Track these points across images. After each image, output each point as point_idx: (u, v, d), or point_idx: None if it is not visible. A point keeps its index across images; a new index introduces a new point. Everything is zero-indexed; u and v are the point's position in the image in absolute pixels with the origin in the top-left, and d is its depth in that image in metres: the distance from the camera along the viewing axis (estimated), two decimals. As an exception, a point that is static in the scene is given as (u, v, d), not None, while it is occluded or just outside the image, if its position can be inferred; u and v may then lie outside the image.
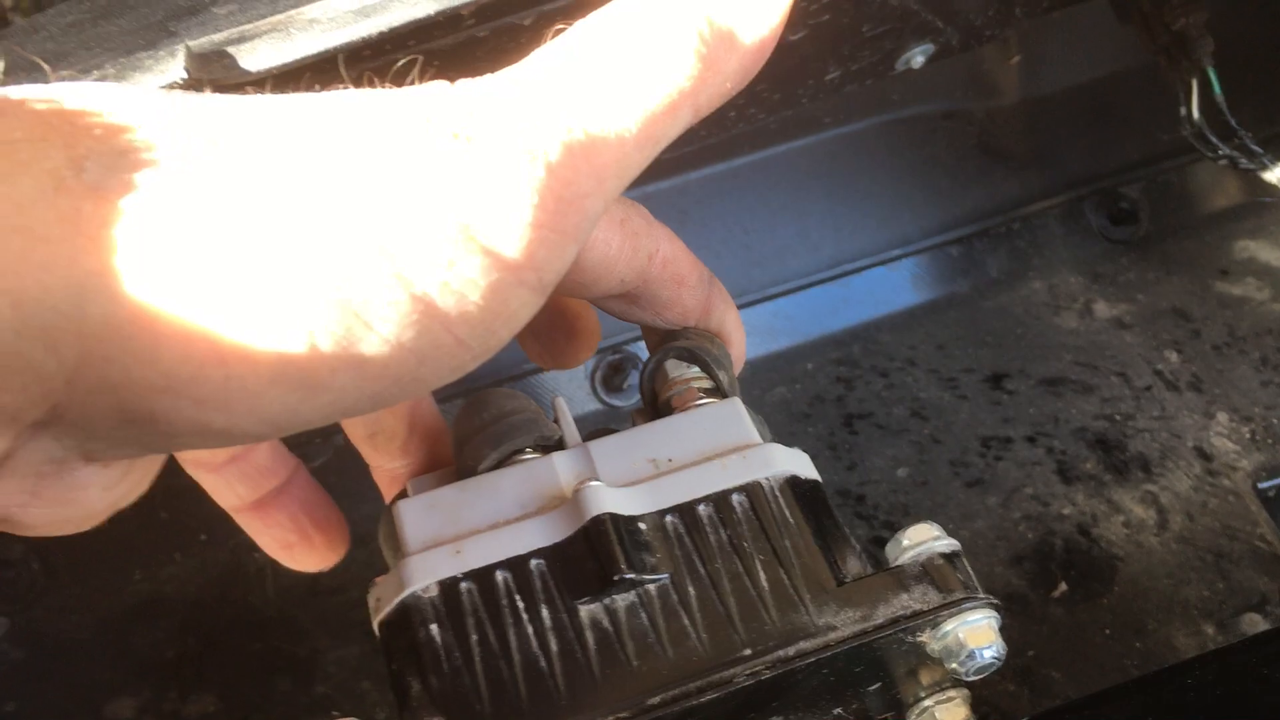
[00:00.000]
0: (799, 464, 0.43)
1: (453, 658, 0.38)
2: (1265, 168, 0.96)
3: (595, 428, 0.46)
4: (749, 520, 0.41)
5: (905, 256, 1.13)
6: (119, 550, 0.96)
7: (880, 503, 0.97)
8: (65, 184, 0.27)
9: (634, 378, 1.06)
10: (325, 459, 0.93)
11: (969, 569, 0.41)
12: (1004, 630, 0.40)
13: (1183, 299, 1.11)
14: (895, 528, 0.47)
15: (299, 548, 0.48)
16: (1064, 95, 1.13)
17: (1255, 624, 0.86)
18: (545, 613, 0.39)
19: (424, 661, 0.38)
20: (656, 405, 0.47)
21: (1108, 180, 1.16)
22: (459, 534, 0.41)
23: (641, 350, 1.05)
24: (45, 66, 0.37)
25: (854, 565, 0.41)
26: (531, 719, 0.36)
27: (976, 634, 0.39)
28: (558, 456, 0.43)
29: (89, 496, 0.33)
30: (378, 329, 0.29)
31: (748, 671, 0.37)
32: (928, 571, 0.40)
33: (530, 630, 0.38)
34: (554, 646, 0.38)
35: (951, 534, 0.42)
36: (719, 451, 0.43)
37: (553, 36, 0.33)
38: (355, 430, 0.47)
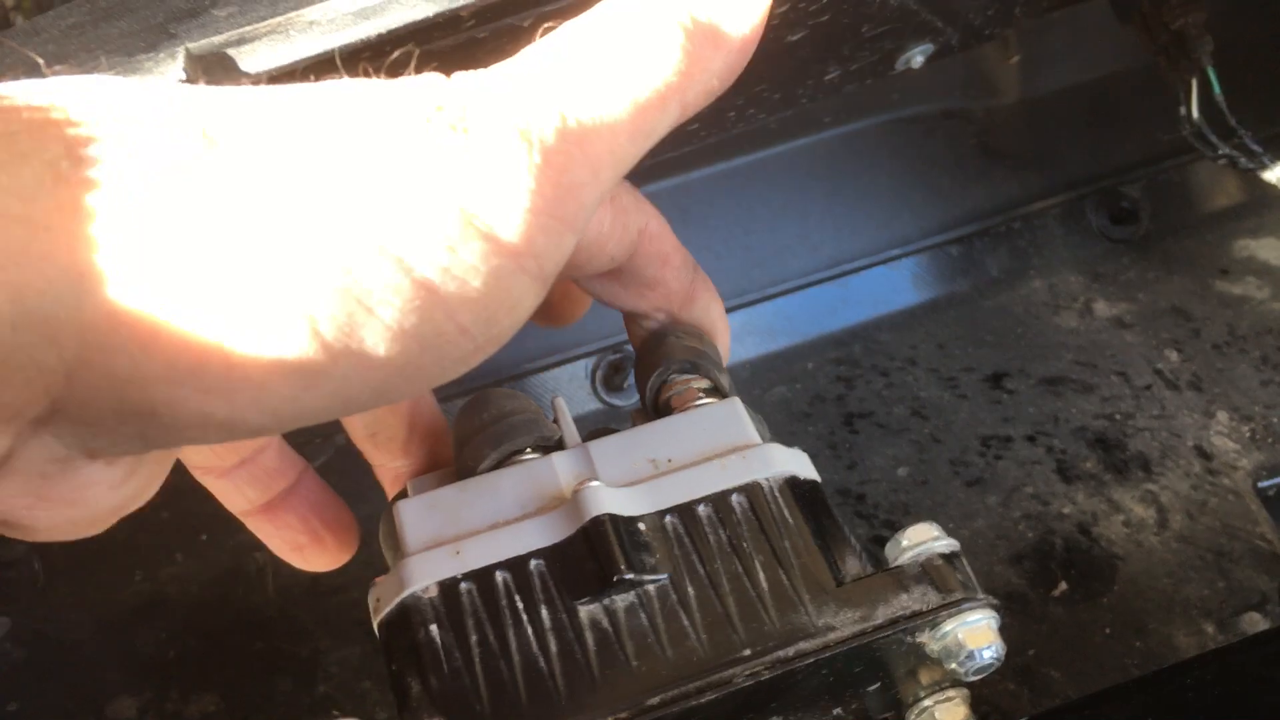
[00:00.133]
0: (798, 464, 0.43)
1: (452, 658, 0.38)
2: (1265, 167, 0.95)
3: (595, 428, 0.46)
4: (748, 520, 0.41)
5: (905, 256, 1.13)
6: (120, 550, 0.96)
7: (880, 502, 0.97)
8: (65, 175, 0.27)
9: (634, 377, 1.06)
10: (326, 458, 0.93)
11: (968, 569, 0.41)
12: (1004, 629, 0.40)
13: (1183, 298, 1.11)
14: (895, 527, 0.47)
15: (310, 549, 0.48)
16: (1064, 95, 1.13)
17: (1255, 623, 0.86)
18: (545, 613, 0.39)
19: (424, 662, 0.38)
20: (656, 405, 0.47)
21: (1108, 180, 1.16)
22: (459, 534, 0.41)
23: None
24: (41, 63, 0.37)
25: (853, 565, 0.41)
26: (531, 719, 0.36)
27: (976, 634, 0.39)
28: (557, 457, 0.43)
29: (95, 496, 0.32)
30: (379, 314, 0.29)
31: (747, 672, 0.37)
32: (927, 572, 0.40)
33: (530, 631, 0.38)
34: (553, 647, 0.38)
35: (951, 533, 0.42)
36: (718, 452, 0.43)
37: (542, 35, 0.34)
38: (356, 430, 0.47)
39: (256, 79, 0.41)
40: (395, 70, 0.33)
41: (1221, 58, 0.91)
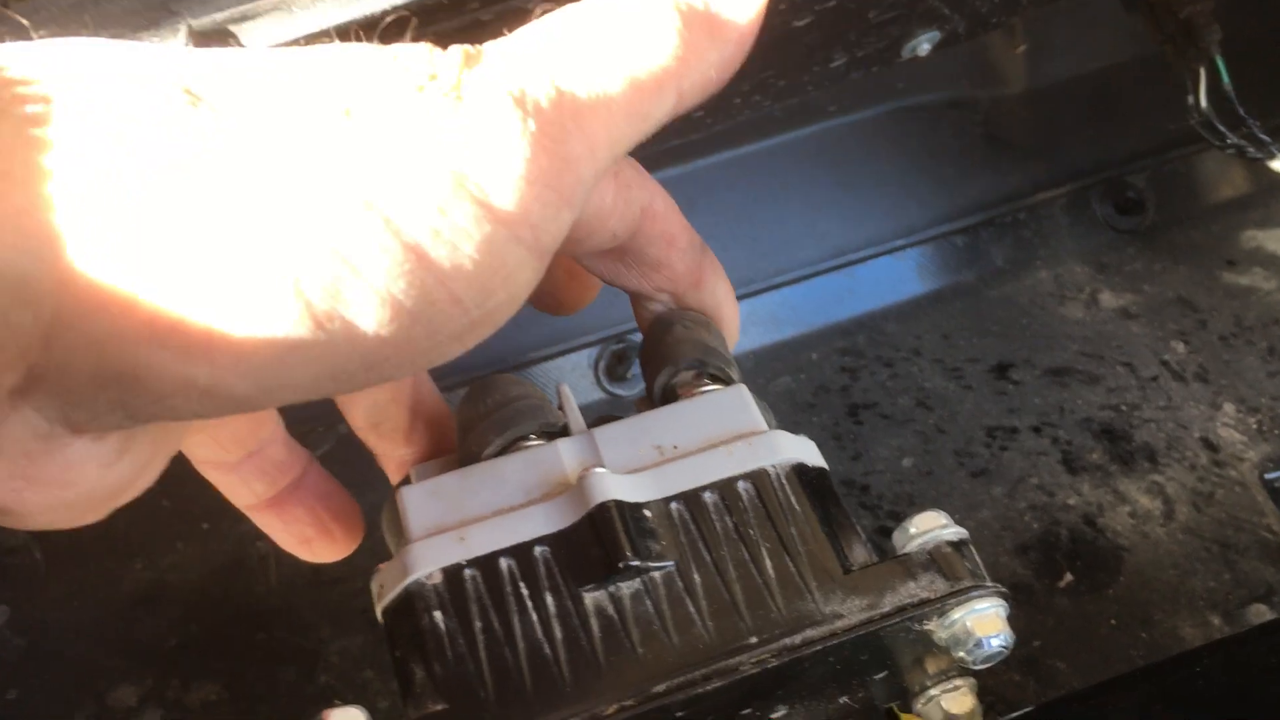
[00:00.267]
0: (805, 451, 0.43)
1: (456, 645, 0.38)
2: (1273, 157, 0.95)
3: (599, 416, 0.46)
4: (755, 507, 0.40)
5: (910, 246, 1.13)
6: (121, 538, 0.96)
7: (885, 493, 0.97)
8: (38, 133, 0.26)
9: (638, 366, 1.06)
10: (329, 447, 0.93)
11: (976, 557, 0.40)
12: (1010, 620, 0.40)
13: (1189, 289, 1.10)
14: (900, 518, 0.47)
15: (317, 541, 0.48)
16: (1070, 84, 1.13)
17: (1261, 615, 0.86)
18: (550, 600, 0.38)
19: (428, 648, 0.38)
20: (662, 400, 0.47)
21: (1114, 170, 1.16)
22: (463, 520, 0.41)
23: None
24: (25, 22, 0.37)
25: (860, 553, 0.40)
26: (536, 706, 0.36)
27: (984, 622, 0.39)
28: (562, 443, 0.43)
29: (86, 476, 0.32)
30: (367, 277, 0.28)
31: (753, 659, 0.37)
32: (935, 560, 0.40)
33: (535, 617, 0.38)
34: (558, 634, 0.38)
35: (957, 524, 0.41)
36: (725, 438, 0.43)
37: (540, 15, 0.34)
38: (358, 420, 0.47)
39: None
40: (390, 41, 0.33)
41: (1229, 47, 0.91)
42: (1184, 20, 0.90)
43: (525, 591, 0.39)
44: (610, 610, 0.38)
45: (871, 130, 1.11)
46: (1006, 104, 1.13)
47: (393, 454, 0.47)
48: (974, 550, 0.41)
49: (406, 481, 0.45)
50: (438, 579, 0.39)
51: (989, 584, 0.39)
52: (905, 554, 0.40)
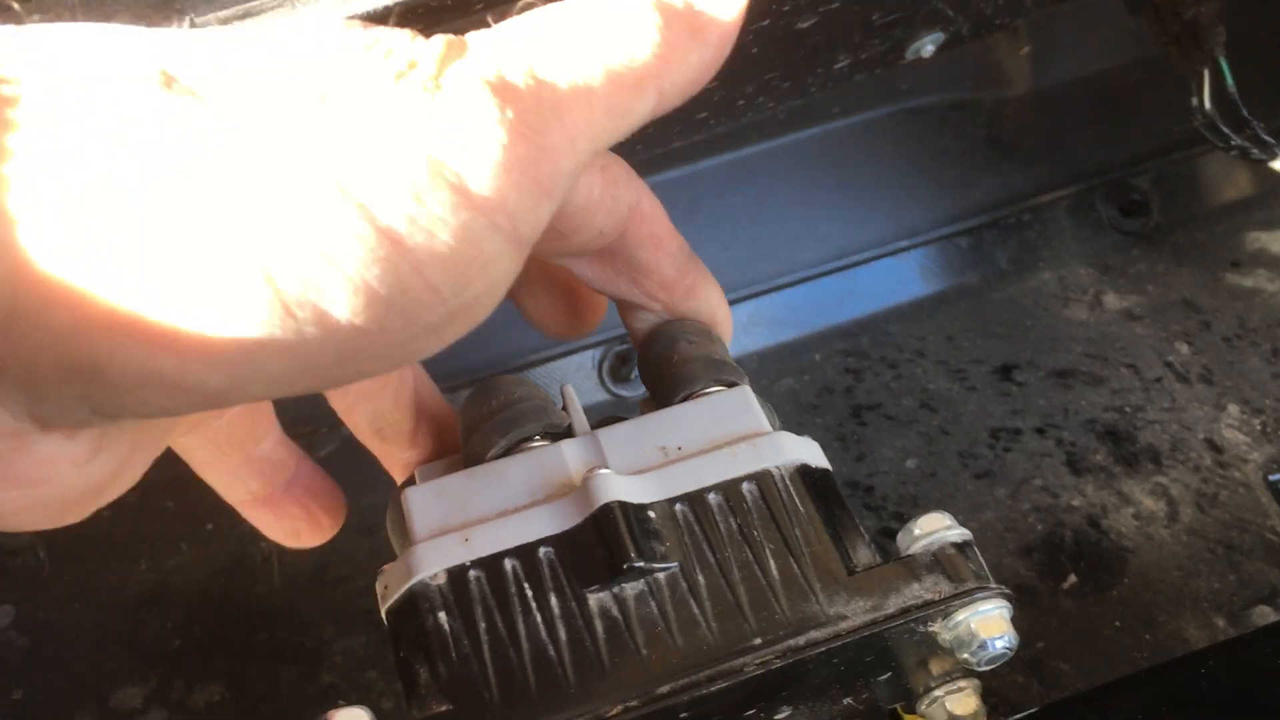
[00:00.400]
0: (809, 452, 0.43)
1: (461, 645, 0.38)
2: (1277, 158, 0.95)
3: (603, 417, 0.46)
4: (759, 509, 0.40)
5: (914, 247, 1.13)
6: (125, 539, 0.96)
7: (889, 494, 0.97)
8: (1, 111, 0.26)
9: (639, 374, 1.05)
10: (332, 448, 0.93)
11: (980, 559, 0.40)
12: (1014, 621, 0.40)
13: (1193, 291, 1.10)
14: (904, 519, 0.47)
15: (307, 532, 0.48)
16: (1074, 86, 1.13)
17: (1266, 616, 0.86)
18: (554, 601, 0.38)
19: (432, 649, 0.38)
20: (661, 386, 0.47)
21: (1118, 171, 1.15)
22: (467, 521, 0.41)
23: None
24: (16, 6, 0.37)
25: (864, 555, 0.40)
26: (540, 707, 0.36)
27: (988, 624, 0.39)
28: (566, 444, 0.43)
29: (58, 476, 0.31)
30: (341, 264, 0.28)
31: (758, 661, 0.37)
32: (939, 561, 0.40)
33: (539, 618, 0.38)
34: (563, 635, 0.38)
35: (961, 525, 0.41)
36: (729, 440, 0.43)
37: (520, 11, 0.33)
38: (360, 425, 0.47)
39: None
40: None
41: (1233, 48, 0.91)
42: (1188, 22, 0.90)
43: (529, 592, 0.39)
44: (614, 611, 0.38)
45: (875, 132, 1.11)
46: (1010, 106, 1.13)
47: (397, 457, 0.47)
48: (978, 552, 0.41)
49: (411, 482, 0.45)
50: (442, 580, 0.39)
51: (993, 585, 0.39)
52: (910, 555, 0.40)
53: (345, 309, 0.28)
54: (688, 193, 1.08)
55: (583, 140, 0.32)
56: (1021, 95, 1.13)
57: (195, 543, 0.96)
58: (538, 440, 0.44)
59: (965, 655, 0.39)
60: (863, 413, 1.03)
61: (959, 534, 0.41)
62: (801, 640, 0.37)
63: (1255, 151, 0.95)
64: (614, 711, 0.36)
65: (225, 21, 0.38)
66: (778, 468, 0.42)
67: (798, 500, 0.41)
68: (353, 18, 0.37)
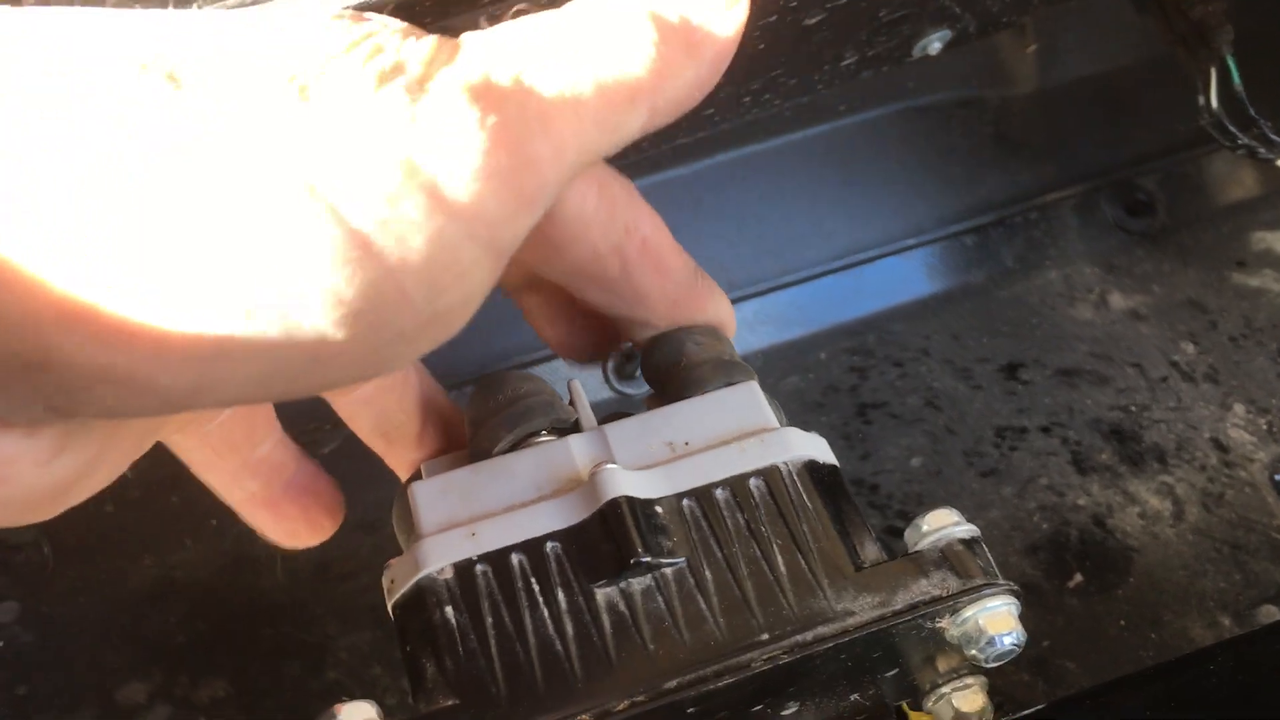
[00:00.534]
0: (817, 448, 0.43)
1: (468, 640, 0.38)
2: (1285, 157, 0.95)
3: (609, 413, 0.46)
4: (766, 504, 0.40)
5: (920, 246, 1.12)
6: (129, 535, 0.96)
7: (894, 492, 0.97)
8: None
9: (644, 377, 1.05)
10: (336, 445, 0.93)
11: (988, 555, 0.40)
12: (1020, 619, 0.39)
13: (1199, 290, 1.10)
14: (909, 517, 0.47)
15: (304, 532, 0.47)
16: (1080, 84, 1.13)
17: (1272, 615, 0.85)
18: (561, 595, 0.38)
19: (439, 643, 0.38)
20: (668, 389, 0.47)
21: (1124, 171, 1.15)
22: (474, 516, 0.41)
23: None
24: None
25: (872, 551, 0.40)
26: (547, 702, 0.36)
27: (996, 620, 0.39)
28: (574, 439, 0.43)
29: (20, 474, 0.30)
30: (308, 266, 0.27)
31: (765, 656, 0.37)
32: (947, 557, 0.39)
33: (546, 613, 0.38)
34: (570, 629, 0.38)
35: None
36: (736, 435, 0.43)
37: (512, 17, 0.33)
38: (364, 429, 0.46)
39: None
40: None
41: (1240, 47, 0.91)
42: (1195, 21, 0.90)
43: (536, 587, 0.39)
44: (621, 606, 0.38)
45: (881, 130, 1.11)
46: (1016, 104, 1.13)
47: (404, 458, 0.47)
48: (985, 548, 0.41)
49: (417, 477, 0.45)
50: (449, 574, 0.39)
51: (1001, 582, 0.39)
52: (917, 551, 0.40)
53: (311, 313, 0.27)
54: (693, 190, 1.08)
55: (569, 151, 0.31)
56: (1028, 94, 1.13)
57: (200, 538, 0.96)
58: (545, 435, 0.44)
59: (973, 651, 0.39)
60: (868, 411, 1.03)
61: (967, 530, 0.41)
62: (809, 636, 0.37)
63: (1262, 150, 0.95)
64: (621, 706, 0.36)
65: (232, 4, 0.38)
66: (785, 463, 0.41)
67: (805, 496, 0.41)
68: (355, 7, 0.37)
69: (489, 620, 0.38)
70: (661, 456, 0.42)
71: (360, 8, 0.40)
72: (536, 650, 0.37)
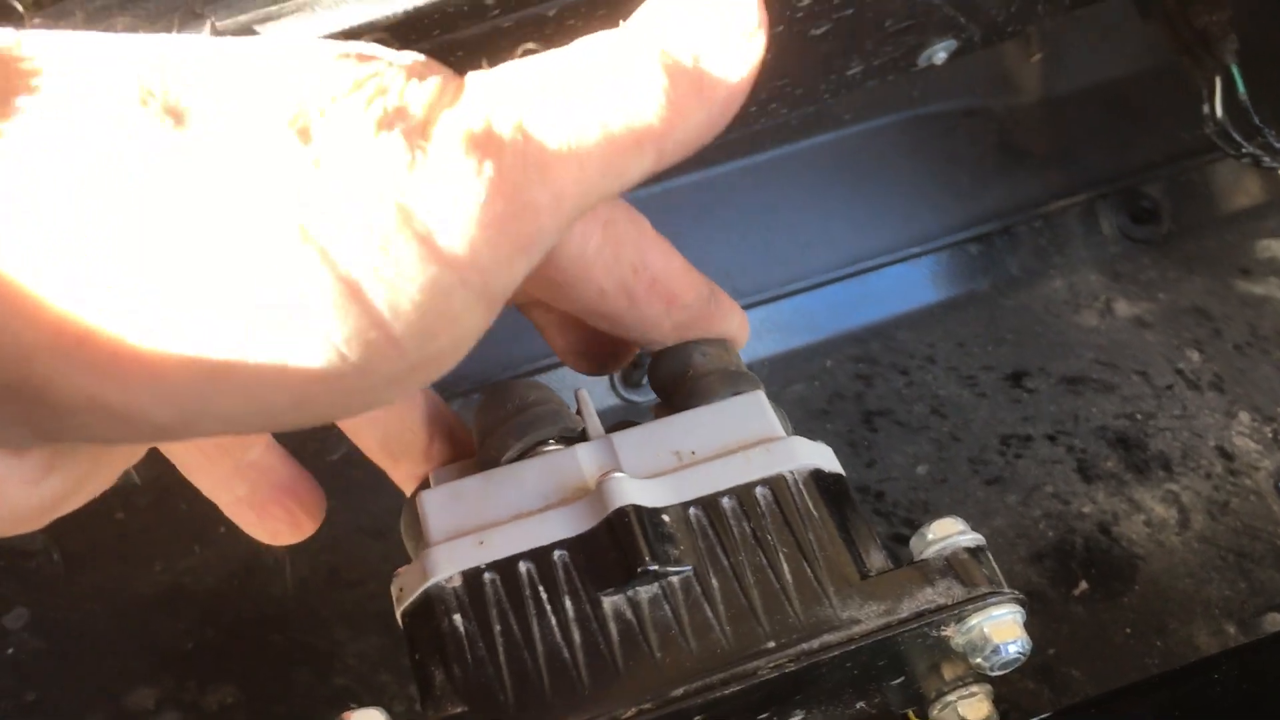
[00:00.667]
0: (823, 457, 0.43)
1: (476, 648, 0.38)
2: (1289, 166, 0.95)
3: (616, 422, 0.46)
4: (772, 513, 0.41)
5: (925, 254, 1.12)
6: (139, 542, 0.96)
7: (899, 500, 0.97)
8: None
9: (650, 384, 1.05)
10: (343, 452, 0.93)
11: (994, 564, 0.41)
12: (1025, 627, 0.40)
13: (1204, 298, 1.10)
14: (914, 525, 0.47)
15: (286, 533, 0.47)
16: (1085, 93, 1.13)
17: (1277, 624, 0.85)
18: (568, 604, 0.39)
19: (447, 651, 0.38)
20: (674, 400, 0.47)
21: (1129, 179, 1.15)
22: (482, 524, 0.41)
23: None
24: (19, 8, 0.37)
25: (878, 559, 0.41)
26: (554, 709, 0.36)
27: (1001, 629, 0.39)
28: (581, 448, 0.43)
29: (9, 493, 0.30)
30: (298, 310, 0.27)
31: (771, 664, 0.37)
32: (952, 566, 0.40)
33: (553, 621, 0.38)
34: (577, 637, 0.38)
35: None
36: (742, 444, 0.43)
37: (520, 55, 0.32)
38: (370, 446, 0.46)
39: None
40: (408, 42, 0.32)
41: (1245, 56, 0.91)
42: (1200, 30, 0.90)
43: (544, 595, 0.39)
44: (629, 614, 0.38)
45: (886, 138, 1.11)
46: (1022, 113, 1.13)
47: (410, 473, 0.47)
48: (991, 557, 0.41)
49: (425, 485, 0.45)
50: (457, 582, 0.39)
51: (1006, 590, 0.39)
52: (923, 560, 0.40)
53: (299, 354, 0.27)
54: (700, 198, 1.08)
55: (569, 199, 0.31)
56: (1033, 102, 1.13)
57: (209, 545, 0.96)
58: (552, 444, 0.44)
59: (978, 660, 0.39)
60: (873, 419, 1.03)
61: (972, 539, 0.41)
62: (815, 644, 0.37)
63: (1266, 159, 0.95)
64: (628, 714, 0.36)
65: (246, 26, 0.39)
66: (791, 472, 0.42)
67: (811, 504, 0.41)
68: (373, 21, 0.37)
69: (497, 628, 0.38)
70: (668, 465, 0.43)
71: (390, 27, 0.40)
72: (544, 658, 0.37)
